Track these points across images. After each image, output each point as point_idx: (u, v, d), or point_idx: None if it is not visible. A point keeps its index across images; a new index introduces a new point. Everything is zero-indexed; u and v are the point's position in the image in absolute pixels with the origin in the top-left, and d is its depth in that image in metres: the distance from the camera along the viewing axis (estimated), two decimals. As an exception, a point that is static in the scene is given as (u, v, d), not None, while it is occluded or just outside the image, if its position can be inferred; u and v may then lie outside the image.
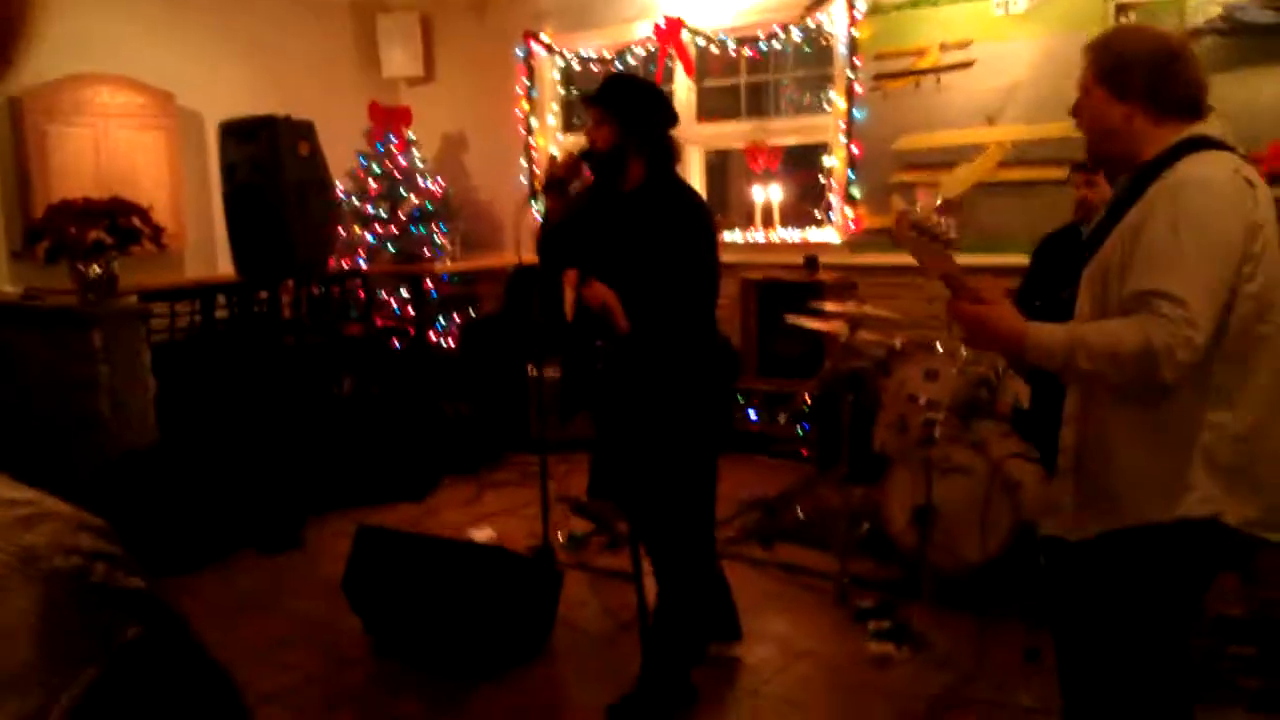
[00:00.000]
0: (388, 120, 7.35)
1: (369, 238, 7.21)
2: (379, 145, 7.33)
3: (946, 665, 3.51)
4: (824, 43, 6.27)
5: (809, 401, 5.68)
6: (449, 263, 7.27)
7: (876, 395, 4.66)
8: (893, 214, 5.79)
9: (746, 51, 6.53)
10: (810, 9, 6.16)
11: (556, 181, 3.28)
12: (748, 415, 6.25)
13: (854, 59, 6.02)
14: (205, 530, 4.73)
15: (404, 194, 7.23)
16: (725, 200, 7.43)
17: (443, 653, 3.63)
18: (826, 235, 6.29)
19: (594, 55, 7.16)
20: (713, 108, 6.97)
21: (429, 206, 7.28)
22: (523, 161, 7.55)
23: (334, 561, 4.20)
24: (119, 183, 5.90)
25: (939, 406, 4.17)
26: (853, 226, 6.14)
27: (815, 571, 4.29)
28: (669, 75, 6.79)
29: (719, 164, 7.36)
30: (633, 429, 3.21)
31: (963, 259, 2.19)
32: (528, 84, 7.48)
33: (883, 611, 3.81)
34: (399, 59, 7.73)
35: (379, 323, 6.98)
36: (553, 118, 7.57)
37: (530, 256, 3.42)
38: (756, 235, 6.56)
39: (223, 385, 5.62)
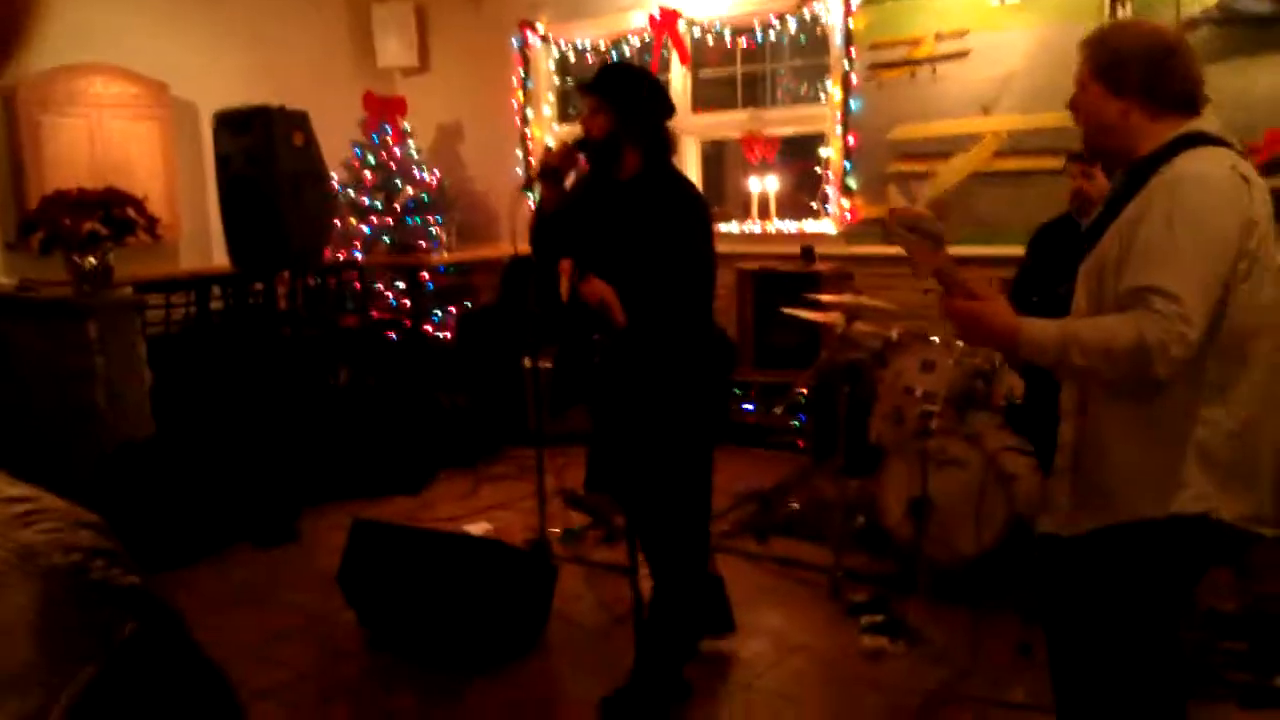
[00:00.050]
0: (383, 111, 7.32)
1: (364, 229, 7.19)
2: (374, 136, 7.30)
3: (941, 660, 3.51)
4: (820, 32, 6.26)
5: (805, 393, 5.68)
6: (445, 254, 7.25)
7: (873, 387, 4.65)
8: (888, 204, 5.78)
9: (742, 41, 6.52)
10: (805, -1, 6.15)
11: (551, 171, 3.24)
12: (744, 407, 6.25)
13: (849, 49, 6.00)
14: (201, 523, 4.73)
15: (399, 185, 7.21)
16: (721, 191, 7.41)
17: (437, 646, 3.63)
18: (823, 226, 6.28)
19: (589, 45, 7.14)
20: (708, 98, 6.95)
21: (424, 197, 7.26)
22: (518, 152, 7.54)
23: (329, 555, 4.20)
24: (113, 173, 5.88)
25: (935, 398, 4.15)
26: (849, 217, 6.13)
27: (810, 565, 4.29)
28: (664, 65, 6.77)
29: (715, 154, 7.34)
30: (629, 422, 3.20)
31: (957, 250, 2.19)
32: (523, 74, 7.46)
33: (877, 606, 3.81)
34: (394, 49, 7.69)
35: (375, 314, 6.96)
36: (548, 108, 7.55)
37: (526, 247, 3.39)
38: (753, 226, 6.56)
39: (218, 377, 5.61)
